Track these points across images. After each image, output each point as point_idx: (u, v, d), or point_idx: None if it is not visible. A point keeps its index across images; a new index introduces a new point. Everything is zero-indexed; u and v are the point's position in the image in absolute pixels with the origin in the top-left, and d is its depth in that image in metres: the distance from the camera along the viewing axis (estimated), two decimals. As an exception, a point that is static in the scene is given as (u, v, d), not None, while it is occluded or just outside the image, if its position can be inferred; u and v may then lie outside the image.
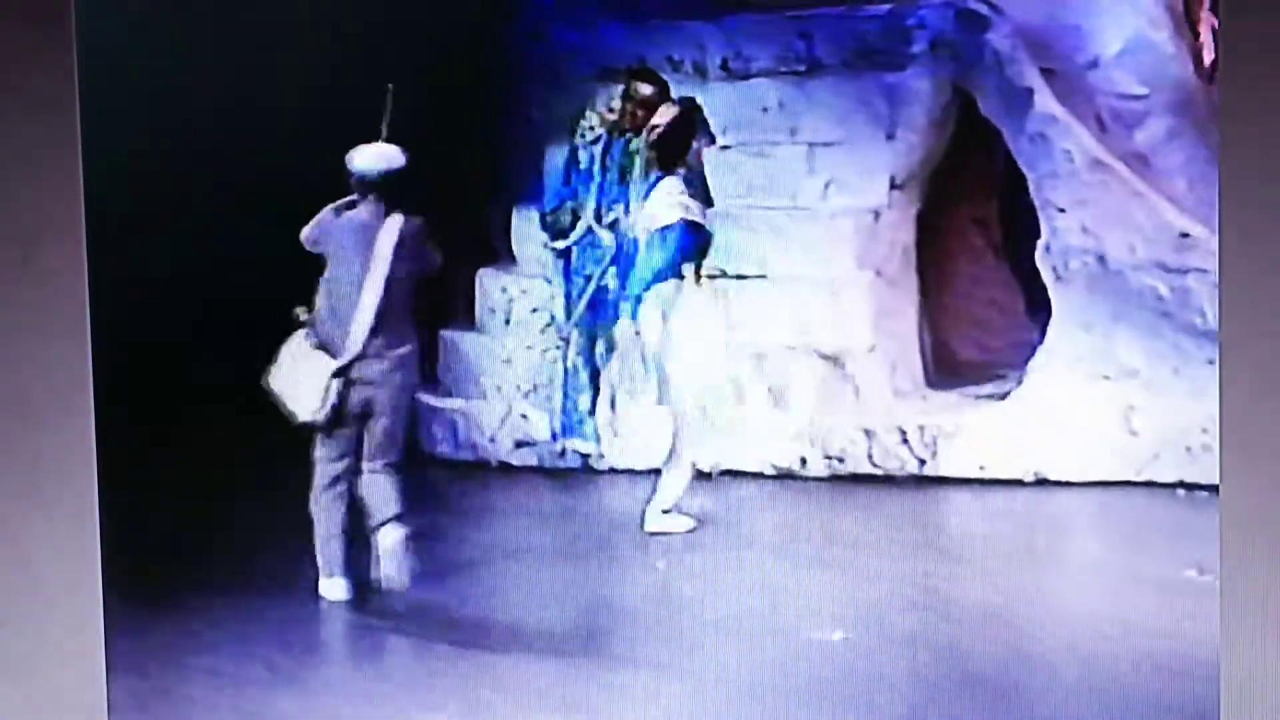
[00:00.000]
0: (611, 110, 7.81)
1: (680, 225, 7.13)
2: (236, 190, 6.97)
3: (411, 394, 6.51)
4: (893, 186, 7.77)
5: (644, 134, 7.59)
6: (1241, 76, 4.75)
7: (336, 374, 6.27)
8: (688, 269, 7.12)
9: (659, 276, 7.14)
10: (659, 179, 7.26)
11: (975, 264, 8.25)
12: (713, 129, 7.65)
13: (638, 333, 7.26)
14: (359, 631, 6.33)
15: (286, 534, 6.73)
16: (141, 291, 6.41)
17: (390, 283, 6.30)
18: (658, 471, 7.35)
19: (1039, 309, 7.78)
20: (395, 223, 6.38)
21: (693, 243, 7.16)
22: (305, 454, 6.53)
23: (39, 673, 4.99)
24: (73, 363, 4.87)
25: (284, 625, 6.35)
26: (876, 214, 7.78)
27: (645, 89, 7.69)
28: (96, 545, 4.97)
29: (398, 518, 6.36)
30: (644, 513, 7.13)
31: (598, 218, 7.71)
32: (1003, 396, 7.71)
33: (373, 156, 6.46)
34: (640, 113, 7.66)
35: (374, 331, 6.30)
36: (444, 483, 7.72)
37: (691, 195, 7.21)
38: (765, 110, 7.80)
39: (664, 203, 7.17)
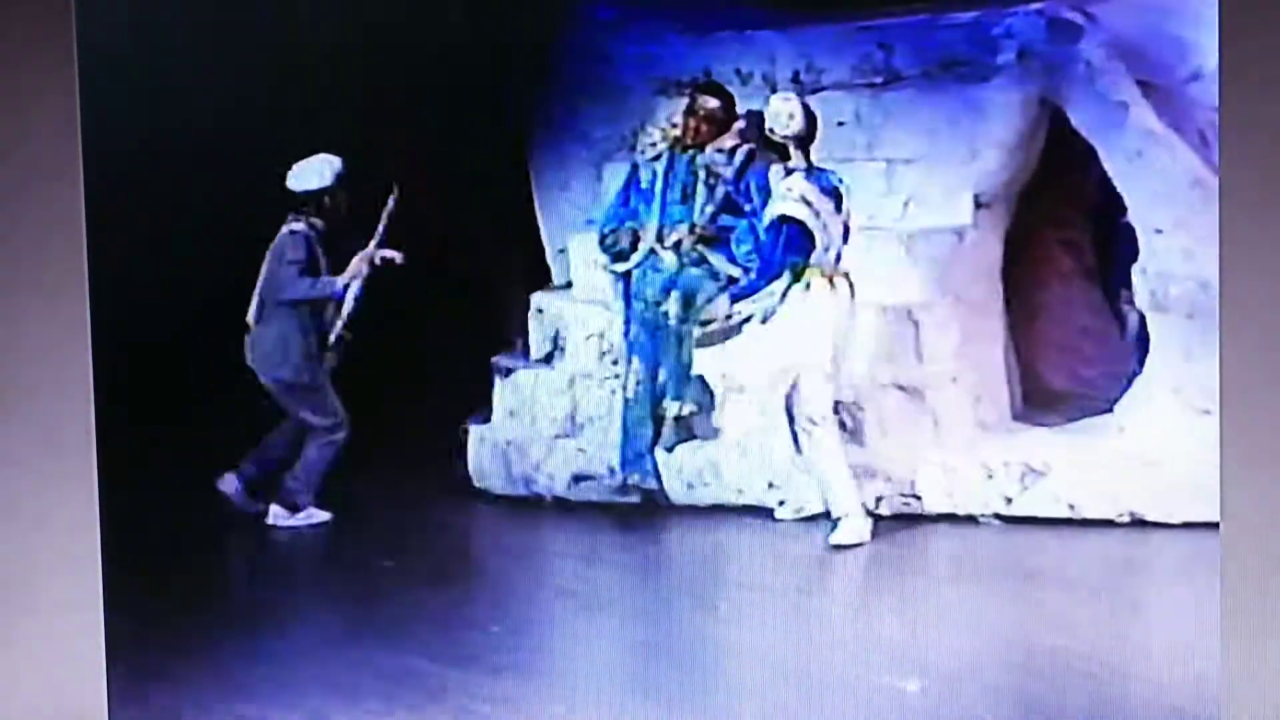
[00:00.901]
0: (674, 125, 7.77)
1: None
2: (237, 190, 7.22)
3: (273, 376, 7.56)
4: (977, 206, 7.66)
5: (706, 149, 7.59)
6: (1242, 77, 4.87)
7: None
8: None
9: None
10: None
11: (1067, 288, 8.14)
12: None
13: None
14: (377, 658, 6.31)
15: (289, 535, 7.19)
16: (141, 291, 6.70)
17: (264, 281, 7.60)
18: (722, 508, 7.42)
19: (1135, 337, 7.69)
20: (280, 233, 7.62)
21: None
22: None
23: (39, 673, 5.12)
24: (73, 363, 5.04)
25: (289, 627, 6.56)
26: (960, 235, 7.66)
27: (710, 103, 7.68)
28: (96, 546, 5.12)
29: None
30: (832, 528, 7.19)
31: (659, 239, 7.66)
32: (1096, 431, 7.55)
33: (291, 174, 7.57)
34: (704, 127, 7.64)
35: (258, 317, 7.62)
36: (495, 519, 7.72)
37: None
38: (840, 125, 7.69)
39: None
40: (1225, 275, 4.96)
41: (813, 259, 7.14)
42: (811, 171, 7.21)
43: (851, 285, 7.24)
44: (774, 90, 7.79)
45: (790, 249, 7.14)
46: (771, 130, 7.22)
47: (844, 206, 7.23)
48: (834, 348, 7.16)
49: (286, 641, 6.41)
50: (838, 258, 7.23)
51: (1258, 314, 4.90)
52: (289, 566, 7.38)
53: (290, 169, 7.53)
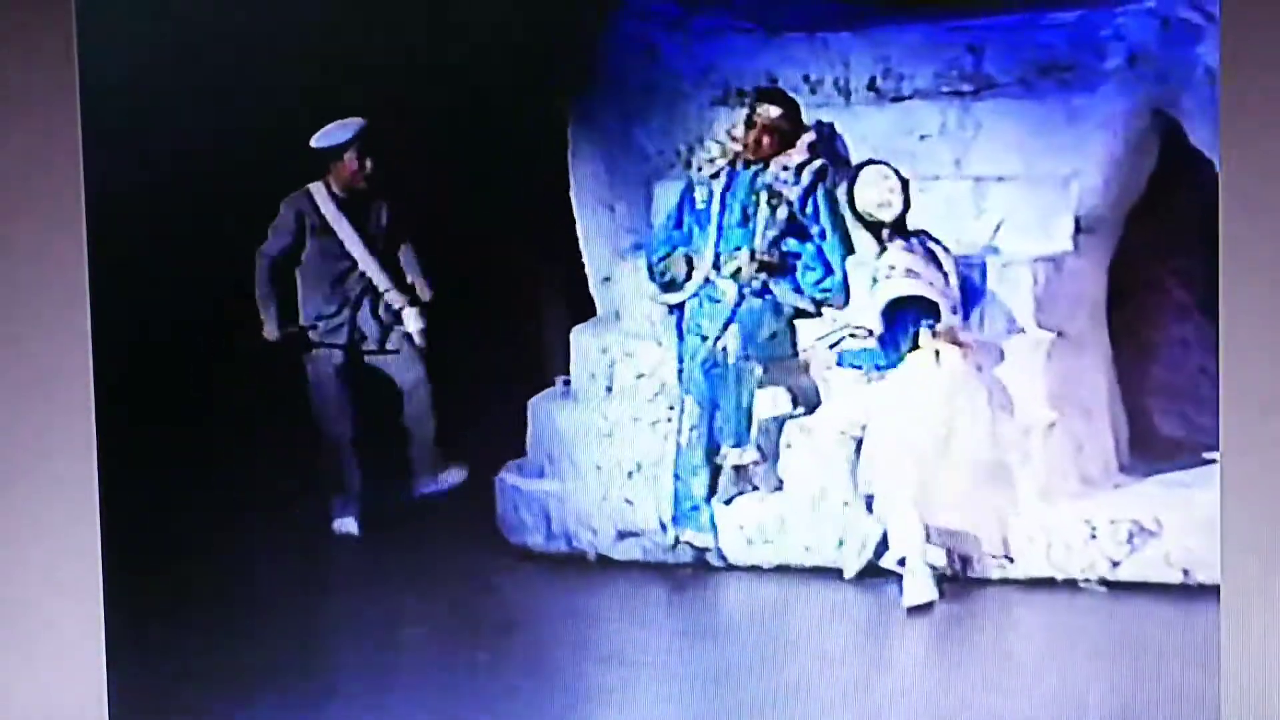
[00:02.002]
0: (735, 138, 7.62)
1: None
2: (238, 189, 7.55)
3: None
4: (1078, 229, 7.44)
5: (770, 166, 7.48)
6: (1242, 77, 5.19)
7: None
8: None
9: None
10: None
11: (1181, 324, 7.90)
12: (853, 162, 7.53)
13: None
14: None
15: (289, 535, 7.69)
16: (141, 291, 7.09)
17: None
18: (786, 568, 7.30)
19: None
20: None
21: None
22: (306, 453, 7.99)
23: (39, 674, 5.49)
24: (73, 363, 5.41)
25: (290, 630, 6.88)
26: (1058, 263, 7.41)
27: (772, 111, 7.54)
28: (97, 546, 5.48)
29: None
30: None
31: (716, 266, 7.50)
32: (1214, 485, 6.84)
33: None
34: (765, 140, 7.51)
35: None
36: (533, 578, 7.60)
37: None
38: (923, 138, 7.55)
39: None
40: (1226, 274, 5.17)
41: (940, 326, 7.04)
42: (909, 240, 7.11)
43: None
44: (847, 98, 7.64)
45: (915, 325, 7.06)
46: (865, 212, 7.16)
47: (946, 270, 7.12)
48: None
49: (294, 662, 6.61)
50: (965, 320, 7.14)
51: (1258, 314, 5.21)
52: (297, 578, 7.58)
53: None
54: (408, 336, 8.02)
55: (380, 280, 7.98)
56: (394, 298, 7.99)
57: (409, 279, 8.03)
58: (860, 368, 7.18)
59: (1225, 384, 5.30)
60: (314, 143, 7.87)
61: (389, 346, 8.03)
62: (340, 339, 7.98)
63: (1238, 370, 5.30)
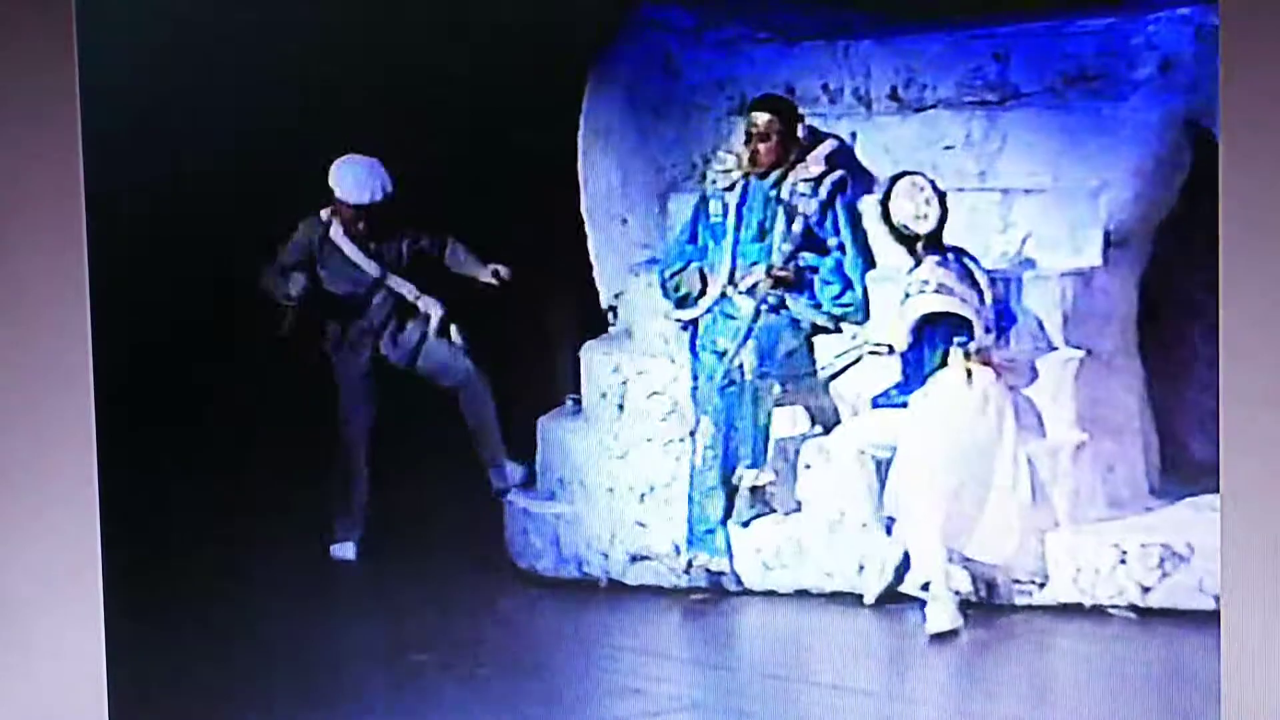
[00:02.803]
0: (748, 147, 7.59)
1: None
2: (238, 189, 7.72)
3: None
4: (1108, 243, 7.40)
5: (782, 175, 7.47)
6: (1242, 77, 5.32)
7: None
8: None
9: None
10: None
11: (1215, 342, 7.34)
12: (874, 174, 7.55)
13: None
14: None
15: (290, 536, 7.85)
16: (141, 291, 7.27)
17: None
18: (804, 593, 7.26)
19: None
20: None
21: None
22: (305, 455, 8.03)
23: (39, 673, 5.58)
24: (73, 363, 5.51)
25: (288, 630, 7.04)
26: (1087, 278, 7.38)
27: (761, 118, 7.51)
28: (97, 545, 5.58)
29: None
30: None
31: (732, 281, 7.47)
32: None
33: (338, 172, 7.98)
34: (761, 148, 7.51)
35: None
36: (543, 604, 7.60)
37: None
38: (948, 149, 7.52)
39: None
40: (1226, 274, 5.31)
41: (973, 345, 7.01)
42: (944, 256, 7.07)
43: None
44: (868, 108, 7.61)
45: (945, 343, 7.03)
46: (900, 224, 7.11)
47: (981, 288, 7.10)
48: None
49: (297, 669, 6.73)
50: (999, 339, 7.11)
51: (1258, 314, 5.33)
52: (298, 580, 7.72)
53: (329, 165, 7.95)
54: (444, 337, 8.03)
55: (408, 291, 7.99)
56: (426, 303, 8.00)
57: (481, 277, 7.98)
58: (897, 405, 7.13)
59: (1225, 384, 5.37)
60: (331, 176, 7.90)
61: (422, 358, 8.03)
62: (367, 345, 8.03)
63: (1238, 370, 5.37)
